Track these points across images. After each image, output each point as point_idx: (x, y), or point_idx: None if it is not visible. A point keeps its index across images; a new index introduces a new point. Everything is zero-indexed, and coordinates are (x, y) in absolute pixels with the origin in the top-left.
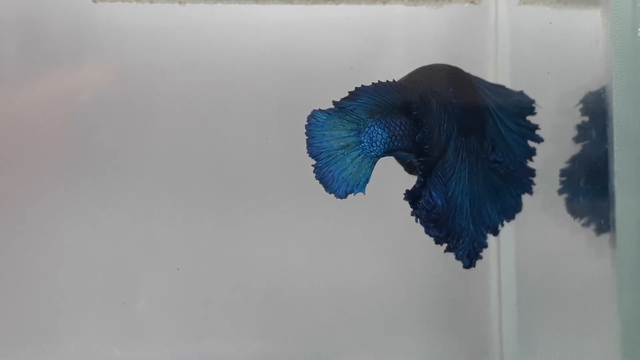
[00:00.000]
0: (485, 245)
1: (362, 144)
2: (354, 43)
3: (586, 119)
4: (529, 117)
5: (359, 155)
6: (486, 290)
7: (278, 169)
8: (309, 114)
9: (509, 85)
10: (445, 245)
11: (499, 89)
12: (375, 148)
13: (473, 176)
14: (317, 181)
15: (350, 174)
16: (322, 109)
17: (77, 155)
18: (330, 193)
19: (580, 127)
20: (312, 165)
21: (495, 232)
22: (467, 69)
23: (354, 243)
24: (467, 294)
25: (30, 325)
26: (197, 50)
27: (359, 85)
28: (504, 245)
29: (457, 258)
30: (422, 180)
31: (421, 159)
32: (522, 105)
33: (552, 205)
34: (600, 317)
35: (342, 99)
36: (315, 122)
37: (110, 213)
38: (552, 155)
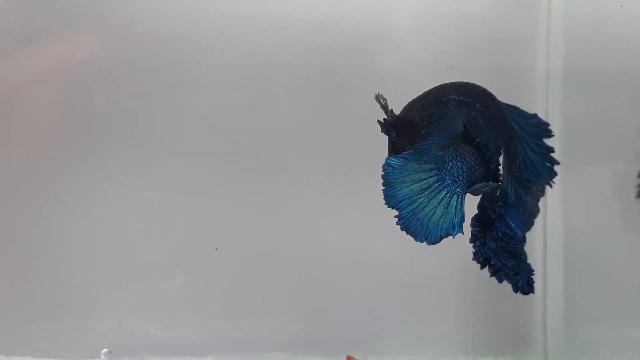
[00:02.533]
0: (532, 269)
1: (446, 182)
2: (400, 21)
3: None
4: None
5: (446, 194)
6: None
7: (316, 148)
8: (383, 162)
9: (562, 74)
10: (493, 273)
11: (516, 110)
12: (459, 183)
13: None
14: (404, 232)
15: (441, 216)
16: (394, 155)
17: (119, 130)
18: (421, 242)
19: None
20: (396, 217)
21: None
22: (515, 52)
23: (393, 225)
24: None
25: (65, 303)
26: (236, 22)
27: (429, 123)
28: (550, 231)
29: (517, 289)
30: (501, 211)
31: (497, 187)
32: (541, 127)
33: (605, 196)
34: None
35: (418, 141)
36: (392, 170)
37: (148, 191)
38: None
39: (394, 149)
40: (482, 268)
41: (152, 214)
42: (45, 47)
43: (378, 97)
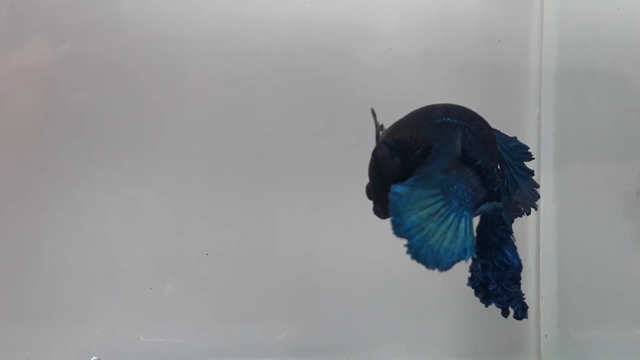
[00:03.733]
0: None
1: (453, 205)
2: (392, 22)
3: None
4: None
5: (454, 218)
6: (523, 280)
7: (308, 150)
8: (391, 192)
9: (555, 74)
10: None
11: (498, 133)
12: (466, 205)
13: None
14: (414, 261)
15: (451, 241)
16: (399, 184)
17: (109, 134)
18: (433, 269)
19: None
20: (405, 246)
21: None
22: (508, 54)
23: (386, 229)
24: None
25: (54, 309)
26: (225, 22)
27: (428, 147)
28: (544, 233)
29: (506, 314)
30: (502, 235)
31: (503, 208)
32: (522, 150)
33: (598, 196)
34: None
35: (422, 167)
36: (399, 199)
37: (138, 196)
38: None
39: (379, 170)
40: (476, 294)
41: (142, 218)
42: (29, 46)
43: (373, 112)
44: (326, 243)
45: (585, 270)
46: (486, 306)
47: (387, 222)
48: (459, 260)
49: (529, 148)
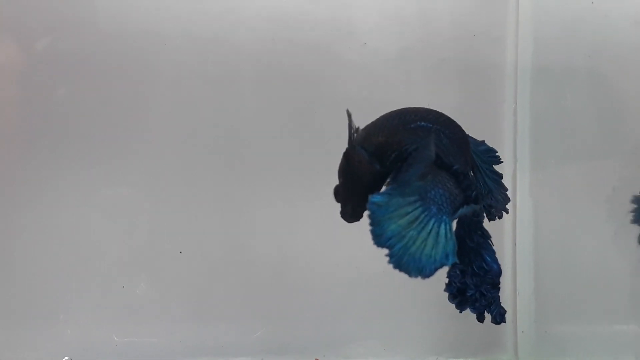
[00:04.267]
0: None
1: (432, 211)
2: (367, 17)
3: None
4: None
5: (434, 224)
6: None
7: (284, 147)
8: (369, 202)
9: (531, 70)
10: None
11: (469, 137)
12: (444, 210)
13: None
14: (397, 270)
15: (432, 248)
16: (377, 193)
17: (78, 132)
18: (415, 277)
19: None
20: (387, 256)
21: None
22: (484, 49)
23: (363, 228)
24: None
25: (24, 310)
26: (202, 17)
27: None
28: (520, 229)
29: (482, 318)
30: (479, 240)
31: (482, 211)
32: (491, 154)
33: (574, 192)
34: (624, 307)
35: (398, 174)
36: (378, 208)
37: (110, 194)
38: None
39: (351, 173)
40: (451, 299)
41: (114, 216)
42: (2, 42)
43: (349, 114)
44: (302, 241)
45: (561, 267)
46: (460, 312)
47: (362, 222)
48: (441, 266)
49: (497, 152)
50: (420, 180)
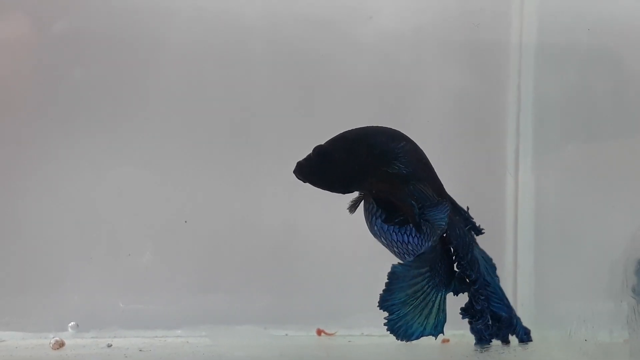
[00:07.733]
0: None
1: (435, 282)
2: None
3: None
4: None
5: (433, 294)
6: (500, 252)
7: (289, 120)
8: (391, 270)
9: (535, 48)
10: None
11: None
12: (444, 282)
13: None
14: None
15: (425, 317)
16: (400, 264)
17: (89, 103)
18: (401, 341)
19: None
20: (385, 319)
21: None
22: (488, 25)
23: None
24: None
25: (32, 276)
26: None
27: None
28: (522, 206)
29: (506, 341)
30: (484, 305)
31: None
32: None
33: (576, 168)
34: (622, 283)
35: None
36: (396, 279)
37: (116, 163)
38: None
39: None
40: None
41: (121, 186)
42: (10, 19)
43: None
44: (306, 213)
45: (561, 243)
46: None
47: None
48: (428, 335)
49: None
50: (433, 253)
